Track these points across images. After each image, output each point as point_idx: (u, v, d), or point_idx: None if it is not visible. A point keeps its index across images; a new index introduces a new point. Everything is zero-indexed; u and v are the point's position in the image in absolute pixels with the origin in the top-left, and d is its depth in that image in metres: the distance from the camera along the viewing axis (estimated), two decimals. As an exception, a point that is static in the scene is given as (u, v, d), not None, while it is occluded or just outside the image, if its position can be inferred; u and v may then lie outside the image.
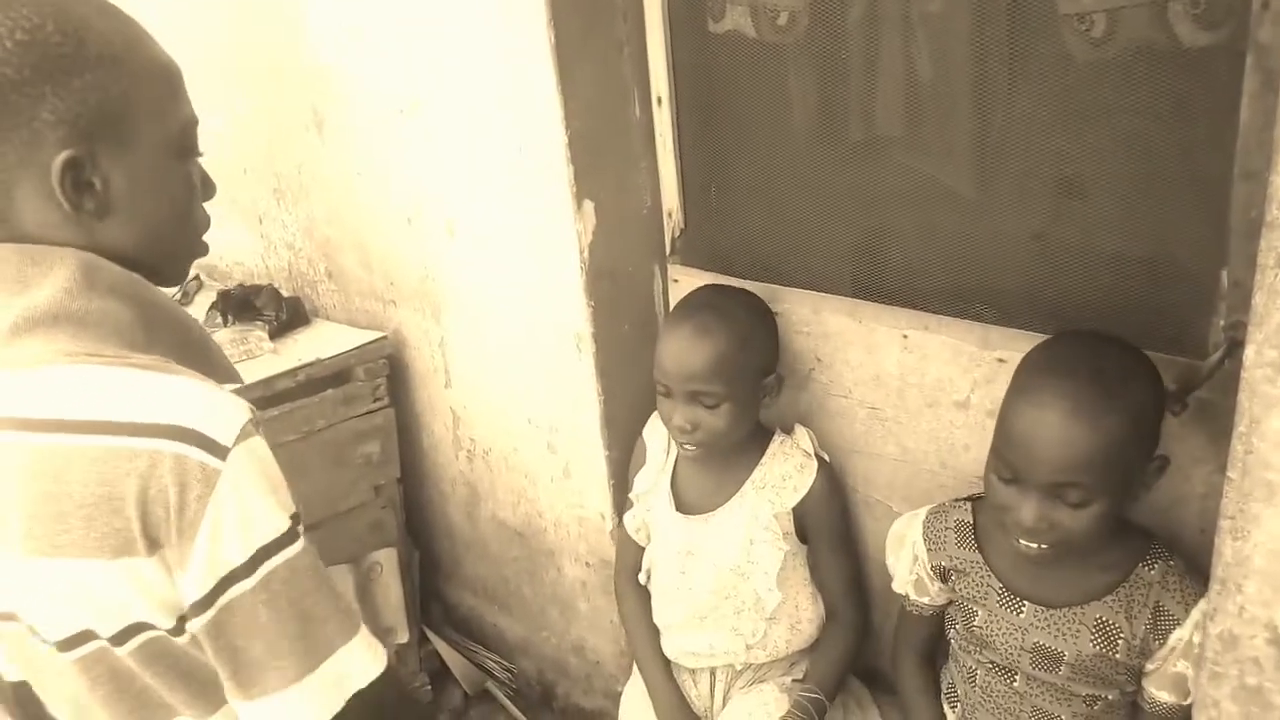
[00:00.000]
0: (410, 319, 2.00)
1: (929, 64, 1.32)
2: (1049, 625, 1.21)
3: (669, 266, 1.70)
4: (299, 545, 0.83)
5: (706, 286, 1.53)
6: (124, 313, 0.84)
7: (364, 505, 2.05)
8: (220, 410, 0.81)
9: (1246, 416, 0.94)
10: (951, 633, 1.35)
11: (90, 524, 0.78)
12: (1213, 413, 1.14)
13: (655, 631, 1.62)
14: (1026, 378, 1.15)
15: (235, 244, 2.47)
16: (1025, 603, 1.23)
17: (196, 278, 2.45)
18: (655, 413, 1.61)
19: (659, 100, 1.60)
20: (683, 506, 1.54)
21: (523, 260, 1.69)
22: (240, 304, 2.08)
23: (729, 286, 1.50)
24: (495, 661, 2.21)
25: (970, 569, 1.29)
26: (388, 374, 2.02)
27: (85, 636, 0.84)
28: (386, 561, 2.09)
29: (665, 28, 1.54)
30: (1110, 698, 1.21)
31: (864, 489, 1.56)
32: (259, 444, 0.82)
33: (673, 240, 1.69)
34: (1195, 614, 1.13)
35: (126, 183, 0.84)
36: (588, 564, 1.88)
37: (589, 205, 1.56)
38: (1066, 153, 1.24)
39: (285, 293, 2.18)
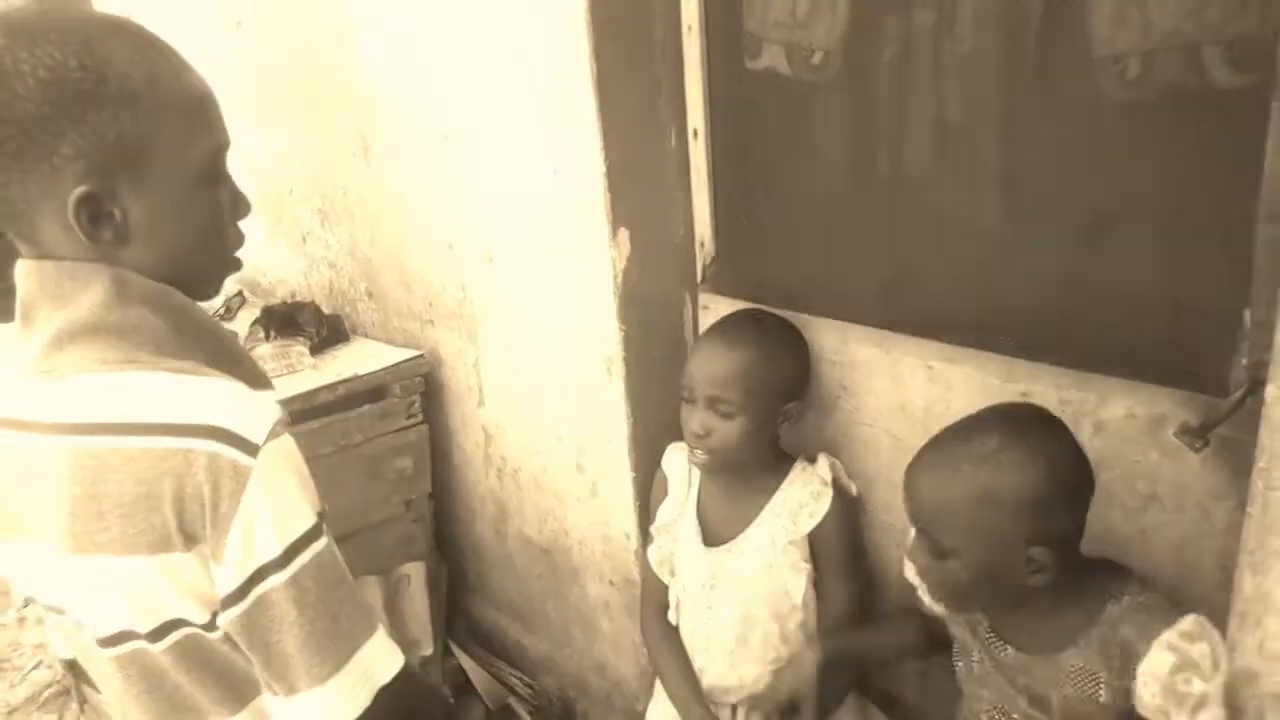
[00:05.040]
0: (447, 339, 2.05)
1: (959, 103, 1.35)
2: (1032, 670, 1.20)
3: (700, 294, 1.73)
4: (324, 541, 0.85)
5: (750, 309, 1.56)
6: (157, 321, 0.87)
7: (395, 519, 2.09)
8: (251, 410, 0.83)
9: (1267, 453, 0.96)
10: (957, 669, 1.35)
11: (129, 521, 0.81)
12: (1234, 449, 1.15)
13: (688, 665, 1.60)
14: None
15: (279, 262, 2.54)
16: (1008, 646, 1.24)
17: (240, 294, 2.52)
18: (672, 445, 1.64)
19: (695, 133, 1.64)
20: (708, 537, 1.56)
21: (558, 285, 1.73)
22: (283, 320, 2.14)
23: (769, 311, 1.53)
24: (517, 678, 2.23)
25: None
26: (423, 391, 2.07)
27: (124, 636, 0.88)
28: (414, 575, 2.12)
29: (703, 64, 1.59)
30: None
31: (886, 517, 1.57)
32: (288, 442, 0.85)
33: (704, 268, 1.73)
34: (1158, 648, 1.08)
35: (146, 213, 0.85)
36: (611, 583, 1.90)
37: (624, 233, 1.60)
38: (1094, 191, 1.27)
39: (326, 310, 2.24)
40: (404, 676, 0.89)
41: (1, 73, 0.77)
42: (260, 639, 0.83)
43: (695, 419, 1.45)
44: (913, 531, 1.20)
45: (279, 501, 0.82)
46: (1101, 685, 1.15)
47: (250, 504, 0.80)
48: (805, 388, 1.53)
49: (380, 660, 0.88)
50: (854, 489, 1.55)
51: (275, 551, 0.81)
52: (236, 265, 0.97)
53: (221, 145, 0.90)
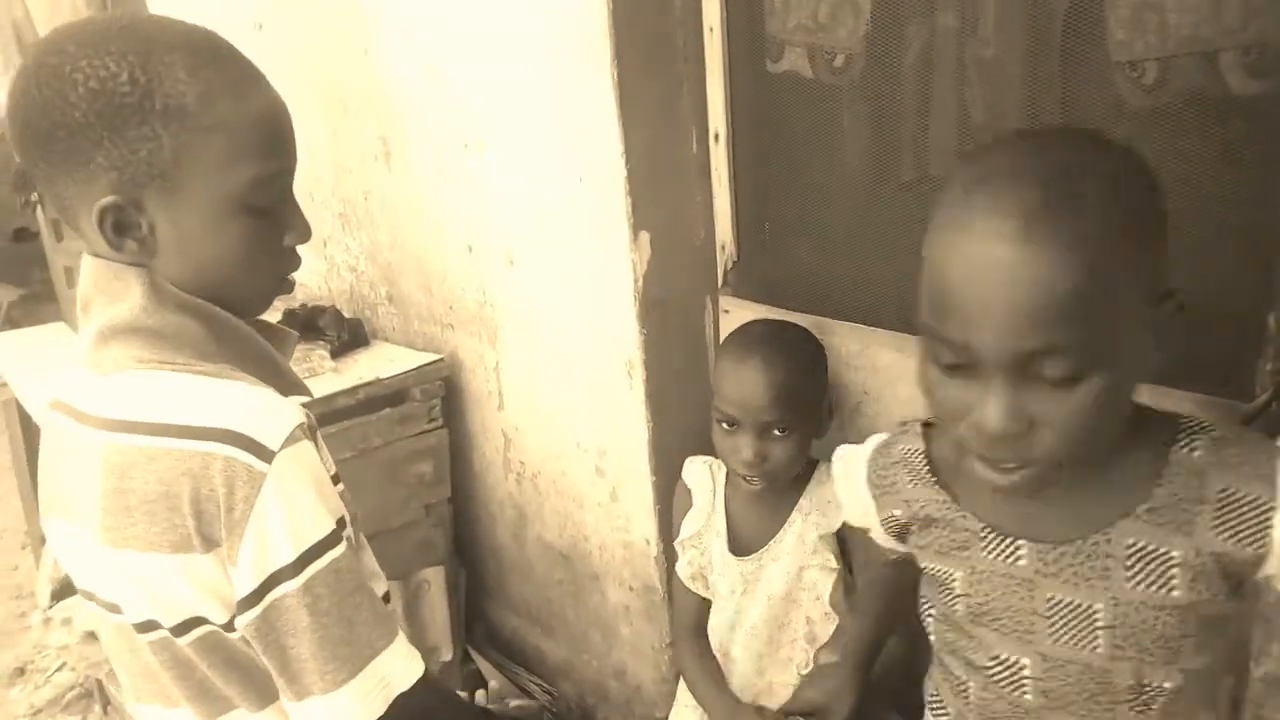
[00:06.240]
0: (467, 343, 2.06)
1: (981, 107, 1.35)
2: (1062, 571, 0.85)
3: (720, 298, 1.74)
4: (340, 549, 0.86)
5: (760, 320, 1.55)
6: (195, 327, 0.89)
7: (414, 523, 2.10)
8: (270, 415, 0.85)
9: (1292, 458, 0.95)
10: (929, 622, 1.00)
11: (152, 520, 0.83)
12: (1261, 455, 1.15)
13: (723, 680, 1.57)
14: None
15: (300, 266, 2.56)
16: (1021, 542, 0.87)
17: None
18: (690, 458, 1.62)
19: (716, 136, 1.64)
20: (737, 546, 1.55)
21: (578, 288, 1.74)
22: (304, 323, 2.15)
23: (782, 320, 1.53)
24: (536, 684, 2.23)
25: (937, 511, 0.94)
26: (443, 396, 2.08)
27: (152, 625, 0.90)
28: (434, 580, 2.13)
29: (724, 67, 1.59)
30: (1169, 686, 0.82)
31: (908, 522, 1.57)
32: (306, 449, 0.86)
33: (725, 272, 1.73)
34: None
35: (175, 229, 0.87)
36: (631, 588, 1.90)
37: (645, 236, 1.60)
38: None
39: (347, 314, 2.25)
40: (424, 684, 0.89)
41: (60, 79, 0.81)
42: (275, 643, 0.85)
43: (748, 447, 1.41)
44: (996, 391, 0.76)
45: (293, 508, 0.83)
46: (1175, 571, 0.81)
47: (264, 509, 0.82)
48: (828, 386, 1.53)
49: (399, 668, 0.88)
50: None
51: (289, 558, 0.83)
52: (286, 288, 0.98)
53: (275, 172, 0.90)
